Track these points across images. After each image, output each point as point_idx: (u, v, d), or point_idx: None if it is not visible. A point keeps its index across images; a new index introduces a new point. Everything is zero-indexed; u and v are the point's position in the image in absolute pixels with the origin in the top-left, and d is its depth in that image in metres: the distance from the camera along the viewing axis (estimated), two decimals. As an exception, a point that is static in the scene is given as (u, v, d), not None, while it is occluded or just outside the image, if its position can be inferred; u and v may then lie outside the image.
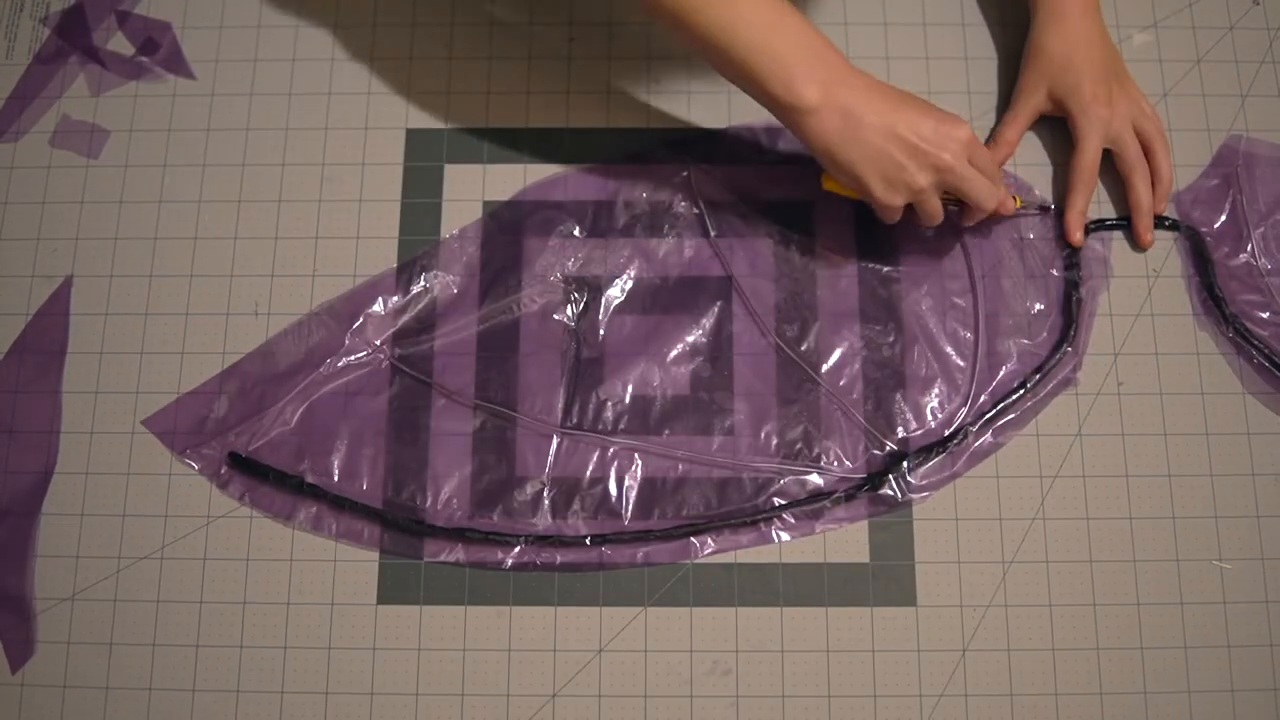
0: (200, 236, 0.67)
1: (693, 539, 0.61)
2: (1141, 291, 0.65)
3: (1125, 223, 0.66)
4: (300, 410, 0.64)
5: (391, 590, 0.61)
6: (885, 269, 0.66)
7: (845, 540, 0.62)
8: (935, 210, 0.60)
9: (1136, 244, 0.66)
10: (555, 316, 0.65)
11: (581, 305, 0.65)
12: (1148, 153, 0.66)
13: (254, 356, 0.65)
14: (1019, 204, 0.64)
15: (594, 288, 0.66)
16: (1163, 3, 0.71)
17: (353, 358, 0.65)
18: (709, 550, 0.61)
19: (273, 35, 0.71)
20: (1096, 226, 0.66)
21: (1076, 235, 0.65)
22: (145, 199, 0.68)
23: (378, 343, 0.65)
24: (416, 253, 0.66)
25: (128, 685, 0.60)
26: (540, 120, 0.69)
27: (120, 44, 0.71)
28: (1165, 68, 0.70)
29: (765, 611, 0.61)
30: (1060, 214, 0.66)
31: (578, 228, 0.67)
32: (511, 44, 0.71)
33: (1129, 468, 0.63)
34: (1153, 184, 0.66)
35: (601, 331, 0.65)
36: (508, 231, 0.67)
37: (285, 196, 0.68)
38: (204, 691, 0.60)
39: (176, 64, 0.71)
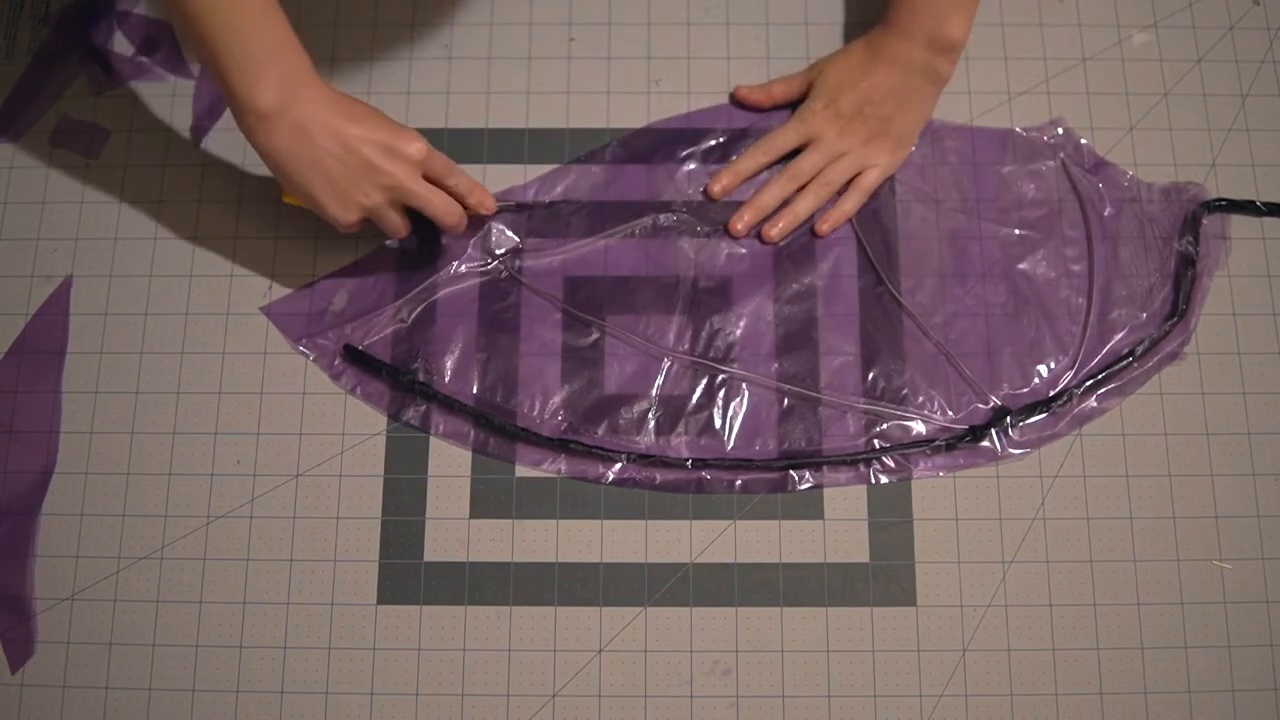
0: (200, 236, 0.67)
1: (791, 472, 0.62)
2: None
3: (1246, 206, 0.66)
4: (418, 311, 0.65)
5: (391, 590, 0.61)
6: (1004, 230, 0.66)
7: (845, 540, 0.62)
8: (395, 225, 0.60)
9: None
10: (678, 244, 0.66)
11: (704, 235, 0.66)
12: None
13: (378, 255, 0.66)
14: (496, 205, 0.64)
15: (717, 219, 0.67)
16: (1163, 3, 0.71)
17: (474, 265, 0.66)
18: (806, 484, 0.62)
19: (273, 35, 0.71)
20: (1216, 207, 0.66)
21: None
22: (145, 199, 0.68)
23: (500, 252, 0.66)
24: (545, 171, 0.68)
25: (127, 685, 0.60)
26: (540, 120, 0.69)
27: (120, 44, 0.71)
28: (1165, 68, 0.70)
29: (765, 611, 0.61)
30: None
31: (708, 159, 0.68)
32: (511, 44, 0.71)
33: (1129, 468, 0.63)
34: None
35: (721, 262, 0.66)
36: (637, 158, 0.68)
37: (285, 196, 0.68)
38: (204, 691, 0.60)
39: (176, 64, 0.71)
